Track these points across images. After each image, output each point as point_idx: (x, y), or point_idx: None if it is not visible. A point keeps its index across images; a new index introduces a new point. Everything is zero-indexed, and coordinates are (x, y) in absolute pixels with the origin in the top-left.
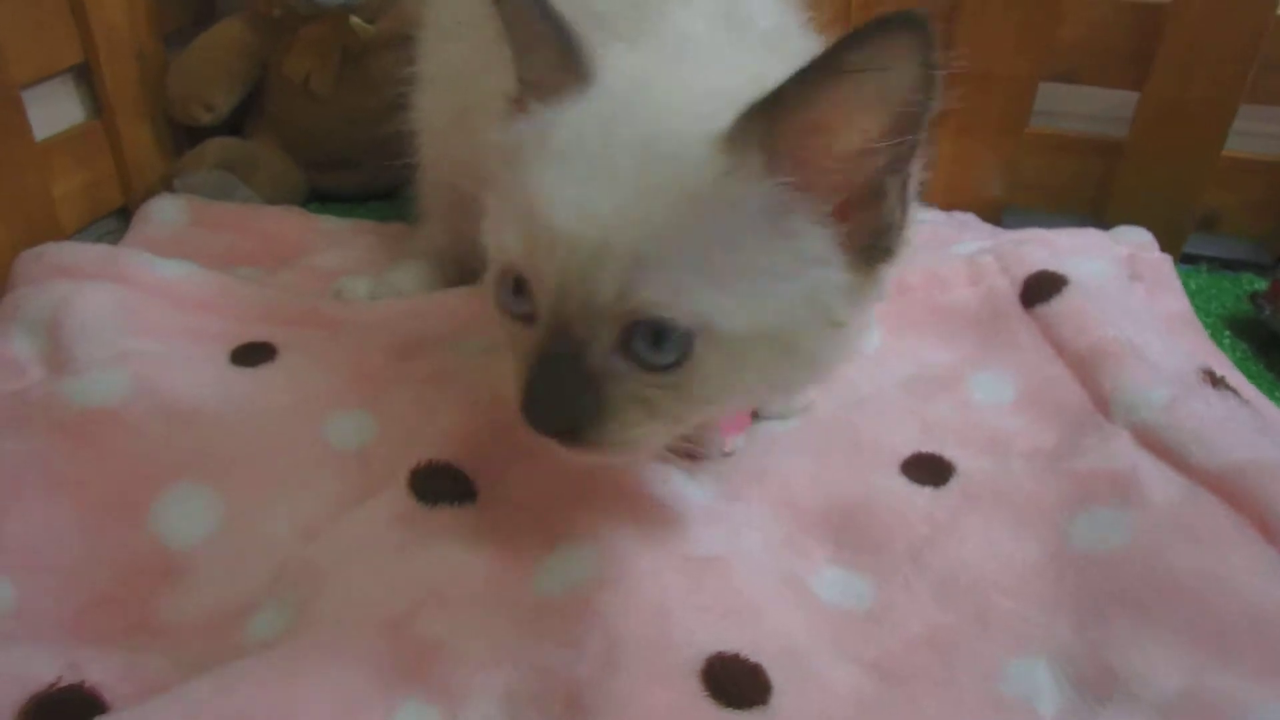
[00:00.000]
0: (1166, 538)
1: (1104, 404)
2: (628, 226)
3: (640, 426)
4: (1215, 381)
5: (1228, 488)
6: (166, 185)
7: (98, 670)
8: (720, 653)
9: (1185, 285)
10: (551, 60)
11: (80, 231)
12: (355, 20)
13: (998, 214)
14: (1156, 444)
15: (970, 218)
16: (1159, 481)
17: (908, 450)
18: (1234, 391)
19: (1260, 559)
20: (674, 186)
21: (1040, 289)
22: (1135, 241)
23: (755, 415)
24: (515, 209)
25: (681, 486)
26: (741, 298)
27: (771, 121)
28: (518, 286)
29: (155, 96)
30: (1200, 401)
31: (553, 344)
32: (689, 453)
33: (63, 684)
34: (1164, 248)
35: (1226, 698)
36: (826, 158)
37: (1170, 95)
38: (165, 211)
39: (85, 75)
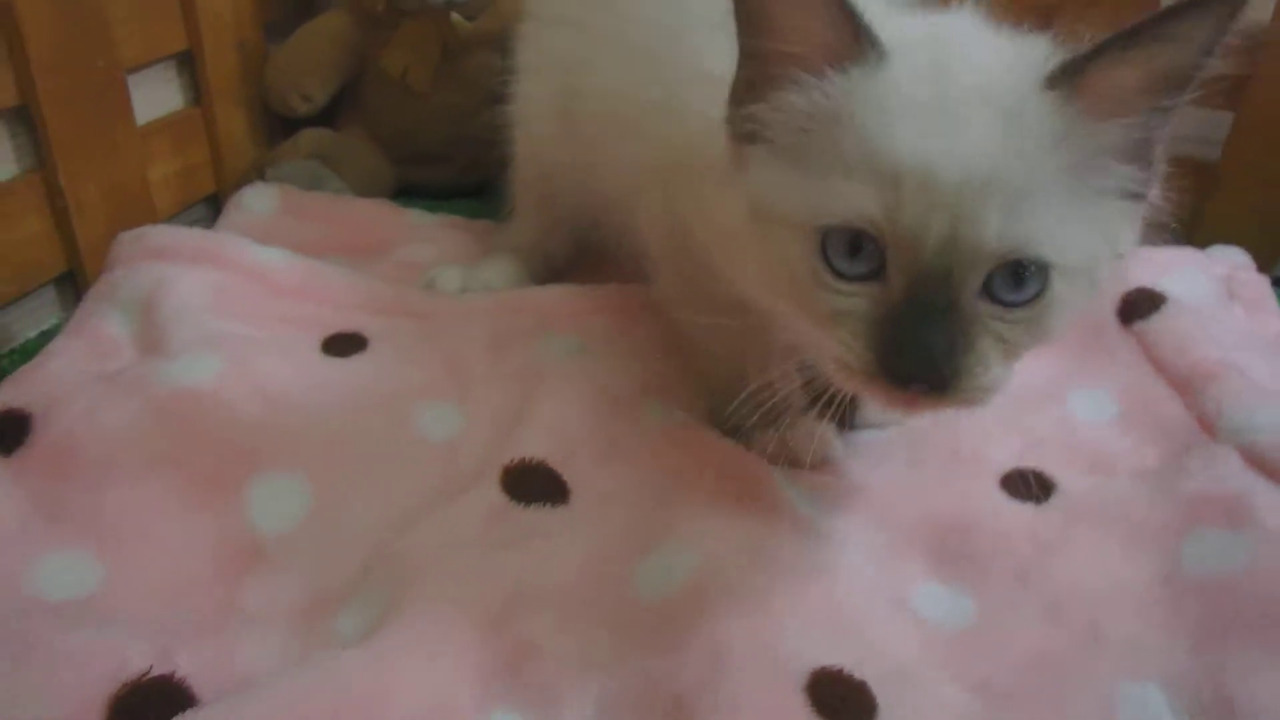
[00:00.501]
0: None
1: (1209, 424)
2: (1006, 165)
3: (997, 367)
4: None
5: None
6: (259, 174)
7: (188, 659)
8: (825, 667)
9: None
10: (830, 29)
11: (172, 218)
12: (456, 17)
13: None
14: (1268, 465)
15: None
16: (1273, 504)
17: (1007, 465)
18: None
19: None
20: (1029, 129)
21: (1138, 306)
22: (1232, 261)
23: (851, 425)
24: (861, 169)
25: (780, 493)
26: (1082, 230)
27: (1090, 73)
28: (853, 247)
29: (253, 86)
30: None
31: (924, 294)
32: (788, 460)
33: (154, 674)
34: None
35: None
36: (1126, 107)
37: (1266, 117)
38: (257, 200)
39: (187, 62)
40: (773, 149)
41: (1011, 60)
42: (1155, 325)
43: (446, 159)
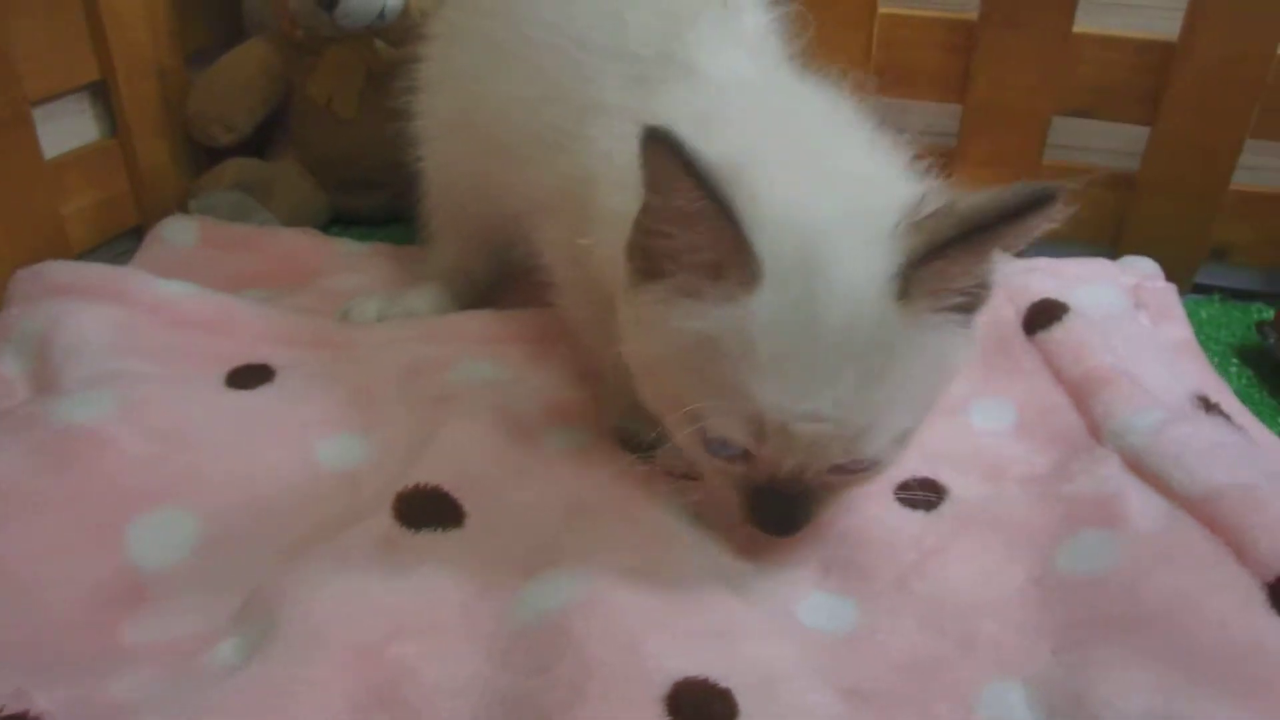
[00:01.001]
0: (1147, 561)
1: (1097, 430)
2: (860, 412)
3: (833, 508)
4: (1209, 407)
5: (1207, 511)
6: (181, 206)
7: (48, 696)
8: (688, 677)
9: (1197, 314)
10: (717, 251)
11: (93, 251)
12: (379, 43)
13: None
14: (1142, 468)
15: None
16: (1144, 506)
17: (903, 475)
18: (1226, 418)
19: (1233, 583)
20: (877, 362)
21: (1041, 317)
22: (1142, 271)
23: None
24: (732, 399)
25: (672, 511)
26: (921, 407)
27: (934, 267)
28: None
29: (174, 116)
30: (1188, 426)
31: (781, 484)
32: (686, 474)
33: (5, 713)
34: (1176, 278)
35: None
36: (965, 280)
37: (1179, 131)
38: (177, 232)
39: (102, 93)
40: (668, 304)
41: (865, 251)
42: (1056, 335)
43: (380, 185)
